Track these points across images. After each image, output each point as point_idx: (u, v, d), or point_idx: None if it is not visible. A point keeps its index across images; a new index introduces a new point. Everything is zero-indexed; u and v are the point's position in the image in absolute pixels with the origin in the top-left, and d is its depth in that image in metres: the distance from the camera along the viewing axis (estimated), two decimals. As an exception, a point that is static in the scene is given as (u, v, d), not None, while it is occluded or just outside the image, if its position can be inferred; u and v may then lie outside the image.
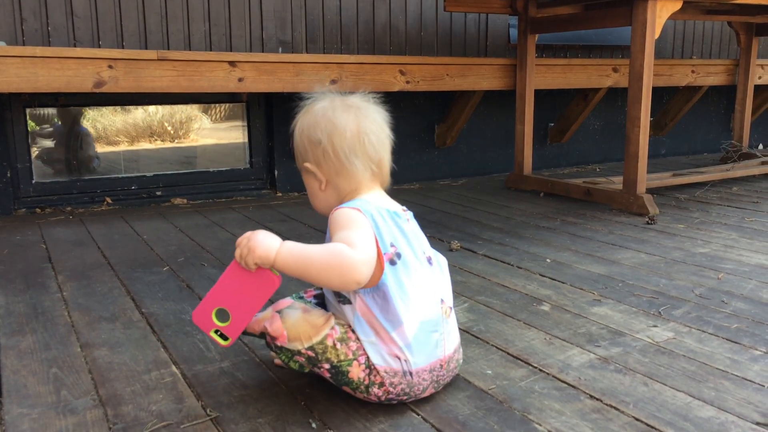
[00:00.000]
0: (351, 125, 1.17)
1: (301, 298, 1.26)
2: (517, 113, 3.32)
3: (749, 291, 1.74)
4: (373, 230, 1.11)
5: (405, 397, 1.13)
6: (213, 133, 3.34)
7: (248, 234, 1.10)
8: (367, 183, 1.20)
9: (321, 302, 1.25)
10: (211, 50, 2.96)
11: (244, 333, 1.17)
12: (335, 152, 1.17)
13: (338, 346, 1.12)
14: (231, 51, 3.01)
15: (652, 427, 1.07)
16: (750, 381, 1.23)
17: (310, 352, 1.12)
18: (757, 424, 1.07)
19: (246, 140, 3.33)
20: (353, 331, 1.12)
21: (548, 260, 2.07)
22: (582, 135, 4.16)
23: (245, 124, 3.31)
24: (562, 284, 1.83)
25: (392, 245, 1.12)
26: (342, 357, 1.11)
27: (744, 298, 1.68)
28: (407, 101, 3.52)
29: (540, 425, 1.08)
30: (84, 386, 1.23)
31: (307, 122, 1.21)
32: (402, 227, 1.16)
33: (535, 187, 3.27)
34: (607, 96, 4.02)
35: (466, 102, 3.44)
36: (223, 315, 1.12)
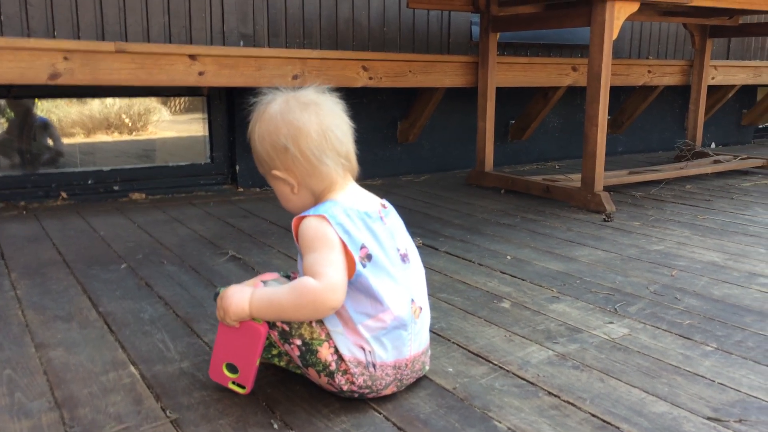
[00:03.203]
0: (314, 124, 1.16)
1: (288, 276, 1.26)
2: (479, 110, 3.35)
3: (701, 287, 1.80)
4: (340, 237, 1.10)
5: (366, 391, 1.14)
6: (172, 126, 3.28)
7: (221, 294, 1.14)
8: (340, 178, 1.20)
9: None
10: (170, 43, 2.91)
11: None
12: (304, 155, 1.16)
13: (314, 324, 1.12)
14: (191, 44, 2.96)
15: (607, 423, 1.09)
16: (701, 376, 1.26)
17: (284, 326, 1.14)
18: (708, 418, 1.10)
19: (206, 134, 3.29)
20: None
21: (509, 257, 2.10)
22: (542, 132, 4.22)
23: (206, 117, 3.27)
24: (522, 281, 1.85)
25: (363, 247, 1.12)
26: (315, 335, 1.12)
27: (696, 295, 1.73)
28: (370, 97, 3.52)
29: (500, 422, 1.09)
30: (39, 388, 1.20)
31: (266, 129, 1.18)
32: (372, 228, 1.16)
33: (496, 184, 3.30)
34: (567, 94, 4.08)
35: (428, 98, 3.45)
36: (232, 368, 1.17)
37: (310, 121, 1.16)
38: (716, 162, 3.80)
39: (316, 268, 1.08)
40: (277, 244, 2.24)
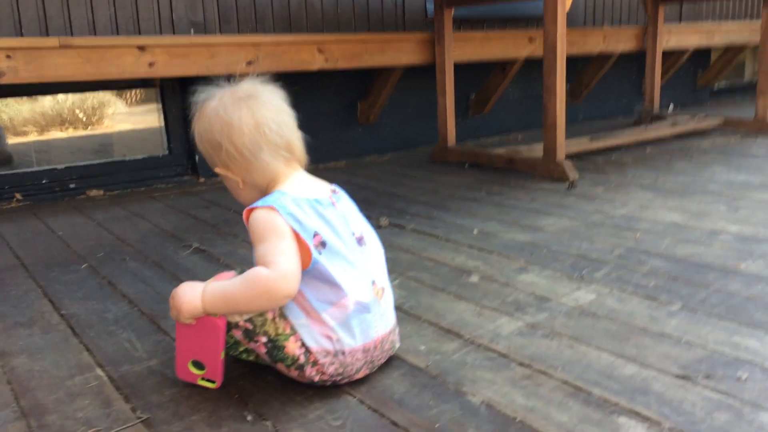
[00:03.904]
0: (246, 119, 1.13)
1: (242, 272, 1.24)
2: (438, 87, 3.33)
3: (665, 248, 1.82)
4: (291, 226, 1.08)
5: (339, 378, 1.13)
6: (128, 119, 3.21)
7: (173, 294, 1.11)
8: (283, 170, 1.17)
9: None
10: (118, 35, 2.83)
11: None
12: (239, 152, 1.14)
13: (277, 320, 1.11)
14: (139, 35, 2.88)
15: (579, 388, 1.10)
16: (668, 336, 1.28)
17: (248, 325, 1.12)
18: (677, 377, 1.12)
19: (162, 125, 3.22)
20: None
21: (475, 231, 2.10)
22: (502, 105, 4.23)
23: (161, 107, 3.20)
24: (489, 254, 1.86)
25: (316, 234, 1.10)
26: (280, 331, 1.11)
27: (660, 256, 1.76)
28: (327, 79, 3.47)
29: (473, 396, 1.10)
30: (3, 398, 1.17)
31: (203, 127, 1.17)
32: (323, 214, 1.14)
33: (459, 158, 3.30)
34: (525, 66, 4.08)
35: (386, 78, 3.43)
36: (198, 364, 1.15)
37: (242, 115, 1.14)
38: (674, 124, 3.85)
39: (267, 258, 1.06)
40: (242, 233, 2.20)
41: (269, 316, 1.11)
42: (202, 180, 3.24)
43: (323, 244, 1.10)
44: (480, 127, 4.17)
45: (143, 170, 3.15)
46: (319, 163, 3.48)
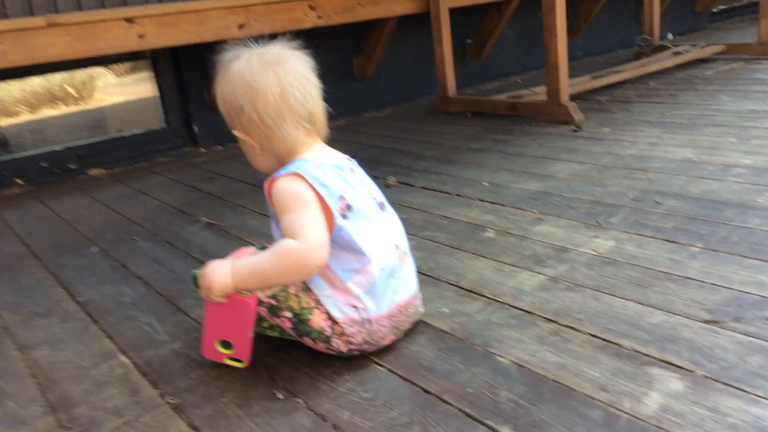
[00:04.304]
0: (272, 86, 1.11)
1: (264, 247, 1.22)
2: (434, 35, 3.25)
3: (679, 188, 1.79)
4: (317, 191, 1.06)
5: (367, 347, 1.12)
6: (120, 90, 3.15)
7: (201, 273, 1.09)
8: (304, 140, 1.15)
9: None
10: (104, 8, 2.75)
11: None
12: (261, 119, 1.12)
13: (301, 294, 1.10)
14: (126, 6, 2.80)
15: (607, 341, 1.09)
16: (692, 279, 1.27)
17: (272, 300, 1.11)
18: (706, 321, 1.11)
19: (157, 94, 3.16)
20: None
21: (485, 183, 2.08)
22: (500, 48, 4.14)
23: (154, 79, 3.13)
24: (502, 207, 1.84)
25: (341, 198, 1.09)
26: (304, 305, 1.10)
27: (675, 196, 1.73)
28: (321, 36, 3.39)
29: (503, 357, 1.09)
30: (30, 393, 1.17)
31: (226, 89, 1.15)
32: (347, 178, 1.13)
33: (461, 108, 3.24)
34: (521, 5, 3.98)
35: (381, 30, 3.35)
36: (226, 344, 1.13)
37: (269, 82, 1.11)
38: (676, 54, 3.77)
39: (295, 228, 1.04)
40: (250, 203, 2.18)
41: (291, 290, 1.10)
42: (202, 150, 3.20)
43: (349, 207, 1.09)
44: (479, 73, 4.09)
45: (142, 145, 3.11)
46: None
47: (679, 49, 3.85)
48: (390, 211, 1.20)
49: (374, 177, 2.29)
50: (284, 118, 1.12)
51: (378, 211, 1.16)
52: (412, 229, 1.74)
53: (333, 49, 3.48)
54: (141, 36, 2.60)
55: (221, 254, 1.71)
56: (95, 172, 2.95)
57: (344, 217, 1.09)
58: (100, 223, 2.15)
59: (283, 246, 1.04)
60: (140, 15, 2.59)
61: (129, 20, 2.56)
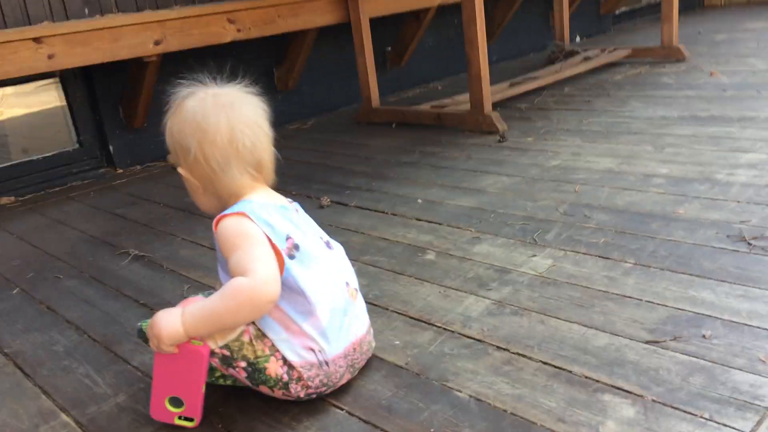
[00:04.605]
0: (222, 129, 1.09)
1: (211, 293, 1.19)
2: (356, 45, 3.25)
3: (605, 200, 1.87)
4: (263, 230, 1.05)
5: (324, 389, 1.11)
6: (20, 101, 2.92)
7: (150, 323, 1.05)
8: (248, 185, 1.14)
9: None
10: (6, 28, 2.59)
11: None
12: (207, 161, 1.10)
13: (255, 342, 1.08)
14: (30, 24, 2.65)
15: (559, 368, 1.13)
16: (629, 297, 1.33)
17: (224, 351, 1.08)
18: (647, 342, 1.16)
19: (65, 108, 2.99)
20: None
21: (419, 200, 2.10)
22: (419, 55, 4.19)
23: (63, 100, 2.98)
24: (439, 226, 1.86)
25: (288, 237, 1.08)
26: (259, 353, 1.07)
27: (602, 209, 1.81)
28: (240, 48, 3.31)
29: (460, 391, 1.10)
30: (-36, 465, 1.09)
31: (176, 126, 1.13)
32: (291, 218, 1.13)
33: (386, 118, 3.26)
34: (438, 13, 4.03)
35: (302, 41, 3.31)
36: (176, 401, 1.09)
37: (219, 125, 1.09)
38: (587, 59, 3.92)
39: (243, 265, 1.02)
40: (180, 231, 2.11)
41: (245, 338, 1.08)
42: (120, 171, 3.08)
43: (296, 246, 1.09)
44: (399, 80, 4.13)
45: (55, 168, 2.96)
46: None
47: (589, 53, 4.02)
48: (337, 248, 1.20)
49: (306, 197, 2.28)
50: (230, 164, 1.11)
51: (325, 250, 1.15)
52: (352, 254, 1.72)
53: (252, 60, 3.42)
54: (50, 56, 2.47)
55: (156, 290, 1.67)
56: (4, 200, 2.78)
57: (291, 257, 1.08)
58: (19, 260, 2.03)
59: (233, 284, 1.01)
60: (48, 34, 2.46)
61: (37, 40, 2.42)
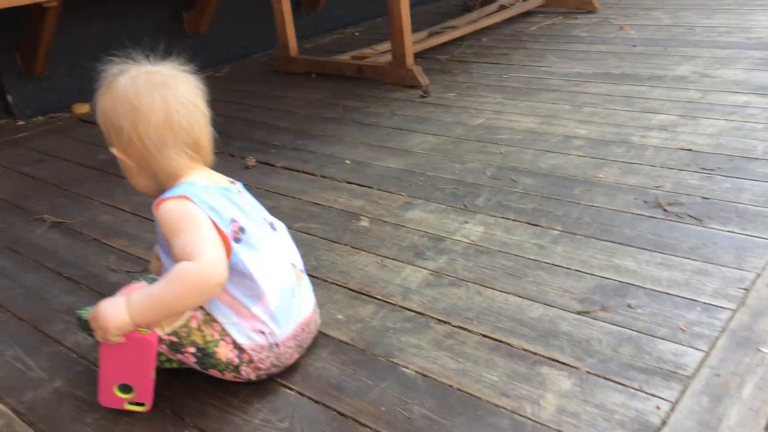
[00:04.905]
0: (157, 108, 1.05)
1: (154, 279, 1.16)
2: (272, -9, 3.13)
3: (529, 162, 1.94)
4: (207, 214, 1.03)
5: (275, 370, 1.13)
6: None
7: (92, 314, 1.02)
8: (187, 165, 1.11)
9: None
10: None
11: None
12: (141, 141, 1.07)
13: (203, 327, 1.07)
14: None
15: (499, 341, 1.19)
16: (558, 266, 1.40)
17: (172, 337, 1.07)
18: (578, 312, 1.24)
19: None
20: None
21: (347, 161, 2.09)
22: (339, 1, 4.08)
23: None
24: (370, 189, 1.87)
25: (233, 221, 1.07)
26: (209, 338, 1.07)
27: (528, 172, 1.87)
28: (147, -10, 3.13)
29: (407, 368, 1.14)
30: None
31: (108, 104, 1.09)
32: (235, 201, 1.12)
33: (305, 68, 3.19)
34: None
35: (214, -16, 3.15)
36: (126, 387, 1.06)
37: (154, 104, 1.06)
38: (502, 7, 3.95)
39: (188, 248, 1.01)
40: (96, 193, 2.02)
41: (193, 324, 1.07)
42: (21, 122, 2.87)
43: (242, 229, 1.08)
44: (314, 24, 4.01)
45: (-53, 119, 2.72)
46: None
47: (504, 2, 4.04)
48: (281, 229, 1.20)
49: (230, 155, 2.22)
50: (166, 144, 1.08)
51: (270, 232, 1.15)
52: (284, 219, 1.70)
53: (160, 4, 3.23)
54: (-63, -1, 2.23)
55: (80, 262, 1.61)
56: None
57: (237, 240, 1.07)
58: None
59: (180, 269, 1.00)
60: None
61: None
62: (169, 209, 1.03)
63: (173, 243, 1.02)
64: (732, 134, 1.96)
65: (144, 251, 1.64)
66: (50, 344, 1.31)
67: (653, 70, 2.68)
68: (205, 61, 3.46)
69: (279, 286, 1.10)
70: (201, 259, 0.99)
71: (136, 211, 1.87)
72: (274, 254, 1.12)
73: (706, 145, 1.91)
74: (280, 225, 1.20)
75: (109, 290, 1.44)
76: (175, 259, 1.02)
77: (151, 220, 1.80)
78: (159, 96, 1.07)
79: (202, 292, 1.00)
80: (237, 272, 1.05)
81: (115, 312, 1.00)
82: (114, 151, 1.10)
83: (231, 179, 1.18)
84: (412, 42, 2.82)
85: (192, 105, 1.10)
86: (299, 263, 1.19)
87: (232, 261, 1.05)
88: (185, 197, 1.03)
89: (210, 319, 1.07)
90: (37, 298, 1.48)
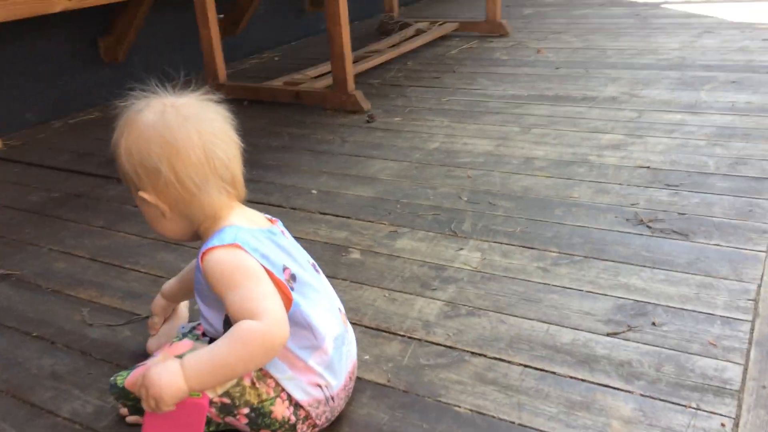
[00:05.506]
0: (195, 145, 0.97)
1: (197, 337, 1.05)
2: (199, 17, 3.00)
3: (501, 185, 1.96)
4: (261, 263, 0.95)
5: (327, 424, 1.06)
6: None
7: (139, 381, 0.91)
8: (226, 204, 1.02)
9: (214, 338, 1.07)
10: None
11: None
12: (181, 181, 0.97)
13: (258, 384, 0.98)
14: None
15: (542, 370, 1.18)
16: (569, 288, 1.41)
17: (224, 399, 0.98)
18: (608, 335, 1.26)
19: None
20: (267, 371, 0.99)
21: (313, 191, 2.03)
22: (253, 23, 3.99)
23: None
24: (348, 219, 1.82)
25: (285, 268, 1.00)
26: (264, 396, 0.99)
27: (503, 196, 1.89)
28: (61, 15, 2.90)
29: (459, 406, 1.11)
30: None
31: (134, 143, 0.98)
32: (281, 244, 1.04)
33: (237, 95, 3.07)
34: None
35: (136, 9, 2.98)
36: None
37: (191, 140, 0.96)
38: (419, 31, 4.02)
39: (249, 305, 0.92)
40: (40, 239, 1.83)
41: (246, 382, 0.98)
42: None
43: (293, 277, 1.01)
44: (234, 50, 3.89)
45: None
46: (68, 118, 2.97)
47: (420, 26, 4.11)
48: (321, 270, 1.13)
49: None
50: (208, 182, 0.99)
51: (316, 275, 1.09)
52: (269, 257, 1.64)
53: (74, 28, 3.01)
54: None
55: (47, 318, 1.47)
56: None
57: (291, 289, 1.00)
58: None
59: (244, 330, 0.91)
60: None
61: None
62: (222, 260, 0.94)
63: (227, 297, 0.93)
64: (680, 151, 2.08)
65: (119, 300, 1.50)
66: (44, 416, 1.16)
67: (583, 91, 2.81)
68: (123, 91, 3.26)
69: (332, 334, 1.03)
70: (265, 318, 0.91)
71: (95, 257, 1.71)
72: (324, 299, 1.05)
73: (661, 162, 2.01)
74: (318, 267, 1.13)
75: (92, 348, 1.33)
76: (233, 317, 0.93)
77: (116, 265, 1.66)
78: (194, 130, 0.98)
79: (268, 354, 0.92)
80: (294, 323, 0.98)
81: (172, 379, 0.89)
82: (145, 195, 0.99)
83: (269, 216, 1.10)
84: (352, 66, 2.79)
85: (227, 137, 1.02)
86: (342, 307, 1.13)
87: (292, 311, 0.97)
88: (236, 245, 0.95)
89: (264, 375, 0.99)
90: (9, 363, 1.31)
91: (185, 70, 3.54)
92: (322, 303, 1.04)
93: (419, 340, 1.29)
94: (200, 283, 1.00)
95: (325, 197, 1.98)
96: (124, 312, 1.46)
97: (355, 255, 1.63)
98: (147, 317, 1.41)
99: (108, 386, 1.11)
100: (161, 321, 1.25)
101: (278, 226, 1.08)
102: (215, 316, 1.01)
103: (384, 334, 1.32)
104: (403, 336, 1.30)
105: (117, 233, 1.85)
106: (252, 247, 0.96)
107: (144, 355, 1.28)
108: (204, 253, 0.95)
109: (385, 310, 1.39)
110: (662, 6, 4.63)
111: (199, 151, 0.96)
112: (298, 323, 0.99)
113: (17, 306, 1.51)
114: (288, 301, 0.97)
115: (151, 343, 1.26)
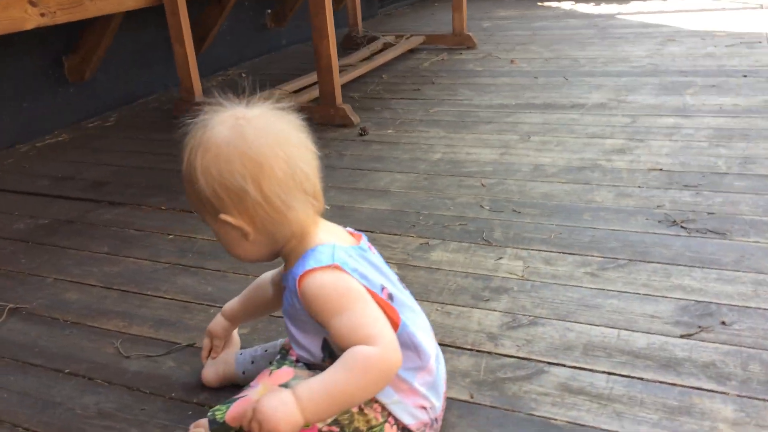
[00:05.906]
0: (279, 159, 0.88)
1: (293, 363, 0.97)
2: (173, 33, 2.89)
3: (519, 193, 1.93)
4: (362, 284, 0.89)
5: None
6: None
7: (249, 415, 0.84)
8: (312, 219, 0.94)
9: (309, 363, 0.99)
10: None
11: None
12: (268, 199, 0.89)
13: (366, 410, 0.91)
14: None
15: (628, 376, 1.14)
16: (626, 292, 1.39)
17: (333, 428, 0.91)
18: (682, 336, 1.24)
19: None
20: None
21: (327, 206, 1.94)
22: (219, 41, 3.88)
23: None
24: (373, 234, 1.76)
25: (383, 288, 0.94)
26: (373, 422, 0.92)
27: (525, 203, 1.86)
28: (26, 33, 2.74)
29: (556, 419, 1.06)
30: None
31: (213, 163, 0.89)
32: (374, 262, 0.98)
33: (216, 113, 2.96)
34: (235, -6, 3.77)
35: (104, 26, 2.84)
36: None
37: (274, 154, 0.88)
38: (387, 45, 4.00)
39: (362, 331, 0.86)
40: (40, 268, 1.70)
41: (354, 408, 0.91)
42: None
43: (391, 297, 0.95)
44: (199, 67, 3.77)
45: None
46: (35, 141, 2.79)
47: (388, 40, 4.09)
48: (407, 288, 1.07)
49: (188, 212, 1.98)
50: (295, 196, 0.91)
51: (407, 294, 1.03)
52: (301, 277, 1.56)
53: (38, 47, 2.84)
54: None
55: (75, 353, 1.37)
56: None
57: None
58: None
59: (360, 356, 0.84)
60: None
61: None
62: (325, 284, 0.87)
63: (332, 322, 0.86)
64: (686, 153, 2.11)
65: (152, 330, 1.39)
66: (100, 462, 1.05)
67: (570, 99, 2.83)
68: (90, 109, 3.13)
69: (434, 354, 0.97)
70: (380, 342, 0.84)
71: (109, 285, 1.59)
72: (419, 318, 0.99)
73: (671, 164, 2.04)
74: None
75: (136, 381, 1.22)
76: (341, 343, 0.87)
77: (136, 293, 1.56)
78: (275, 143, 0.90)
79: (386, 380, 0.86)
80: (400, 344, 0.91)
81: (287, 412, 0.81)
82: (227, 218, 0.90)
83: (350, 230, 1.03)
84: (339, 79, 2.74)
85: (306, 149, 0.95)
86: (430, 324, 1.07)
87: (399, 333, 0.91)
88: (336, 267, 0.88)
89: (370, 400, 0.91)
90: (46, 404, 1.18)
91: (152, 88, 3.42)
92: (419, 322, 0.99)
93: (489, 353, 1.24)
94: (295, 308, 0.92)
95: (341, 212, 1.91)
96: (161, 341, 1.35)
97: (393, 269, 1.56)
98: (188, 345, 1.32)
99: (181, 422, 1.01)
100: (222, 344, 1.16)
101: (364, 241, 1.01)
102: (311, 342, 0.94)
103: (450, 348, 1.26)
104: (471, 350, 1.25)
105: (126, 259, 1.73)
106: (351, 268, 0.90)
107: (198, 385, 1.19)
108: (302, 277, 0.88)
109: (442, 324, 1.34)
110: (617, 17, 4.77)
111: (283, 166, 0.89)
112: (404, 344, 0.92)
113: (37, 342, 1.38)
114: (395, 323, 0.91)
115: (208, 371, 1.17)
